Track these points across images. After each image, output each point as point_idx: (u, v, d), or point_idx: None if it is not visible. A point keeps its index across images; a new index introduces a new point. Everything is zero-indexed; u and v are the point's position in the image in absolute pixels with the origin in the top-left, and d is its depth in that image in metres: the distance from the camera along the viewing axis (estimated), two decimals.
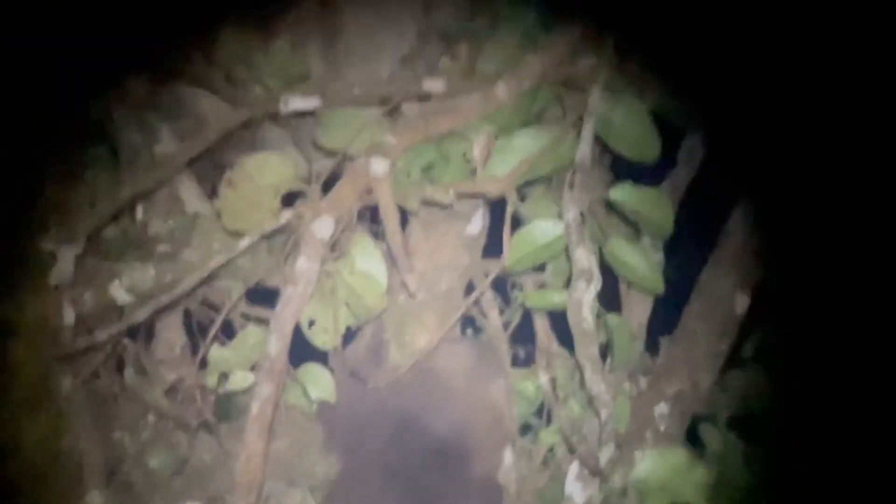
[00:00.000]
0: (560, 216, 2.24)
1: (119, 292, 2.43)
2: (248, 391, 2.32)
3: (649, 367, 2.44)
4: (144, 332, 2.63)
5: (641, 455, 1.60)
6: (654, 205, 2.21)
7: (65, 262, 2.34)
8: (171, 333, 2.66)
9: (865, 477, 1.92)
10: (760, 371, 2.46)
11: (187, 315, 2.68)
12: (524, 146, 2.26)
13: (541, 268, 2.49)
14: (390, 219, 2.27)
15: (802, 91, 1.92)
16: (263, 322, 2.40)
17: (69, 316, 2.40)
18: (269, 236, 2.36)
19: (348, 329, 2.37)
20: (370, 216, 2.51)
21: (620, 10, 2.05)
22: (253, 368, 2.31)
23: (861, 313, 2.00)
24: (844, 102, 1.87)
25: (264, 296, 2.55)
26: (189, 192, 2.57)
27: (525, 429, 2.61)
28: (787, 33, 1.88)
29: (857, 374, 2.00)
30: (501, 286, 2.73)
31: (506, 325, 2.77)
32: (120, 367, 2.61)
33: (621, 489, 2.18)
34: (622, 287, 2.45)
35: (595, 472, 2.16)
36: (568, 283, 2.23)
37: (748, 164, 2.15)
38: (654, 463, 1.45)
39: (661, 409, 2.31)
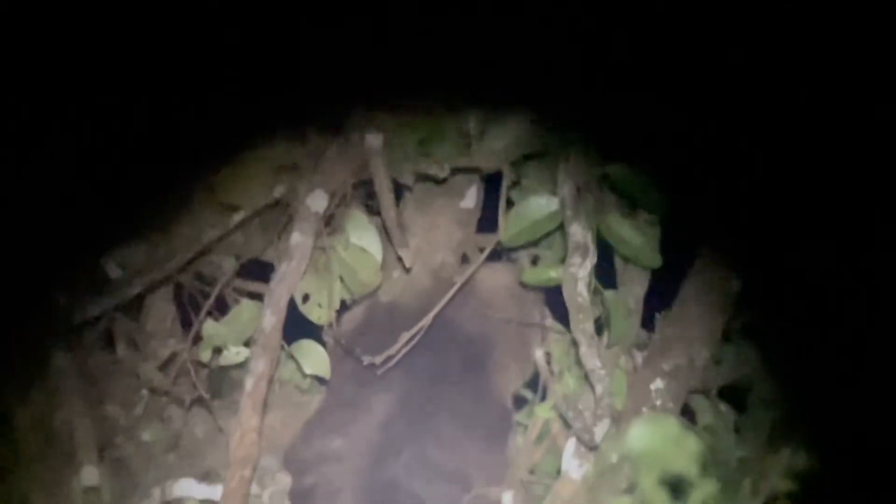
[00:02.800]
0: (555, 192, 2.23)
1: (111, 267, 2.42)
2: (242, 366, 2.32)
3: (645, 342, 2.43)
4: (135, 306, 2.62)
5: (634, 426, 1.59)
6: (649, 180, 2.20)
7: None
8: (162, 307, 2.64)
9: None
10: (751, 342, 2.45)
11: (179, 289, 2.66)
12: (520, 121, 2.25)
13: (535, 243, 2.47)
14: (385, 193, 2.27)
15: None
16: (257, 297, 2.38)
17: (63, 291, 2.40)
18: (262, 211, 2.36)
19: (343, 304, 2.36)
20: (365, 192, 2.49)
21: None
22: (247, 343, 2.30)
23: (852, 286, 1.99)
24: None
25: (258, 271, 2.55)
26: None
27: (520, 403, 2.61)
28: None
29: (849, 346, 1.99)
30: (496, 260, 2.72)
31: None
32: (111, 342, 2.60)
33: (616, 464, 2.18)
34: (618, 263, 2.44)
35: (591, 447, 2.16)
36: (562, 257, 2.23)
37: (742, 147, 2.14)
38: (645, 432, 1.44)
39: (658, 384, 2.30)
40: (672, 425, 1.51)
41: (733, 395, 2.45)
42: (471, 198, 2.63)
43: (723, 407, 2.44)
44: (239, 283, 2.61)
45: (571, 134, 2.23)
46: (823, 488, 1.75)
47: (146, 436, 2.57)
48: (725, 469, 1.97)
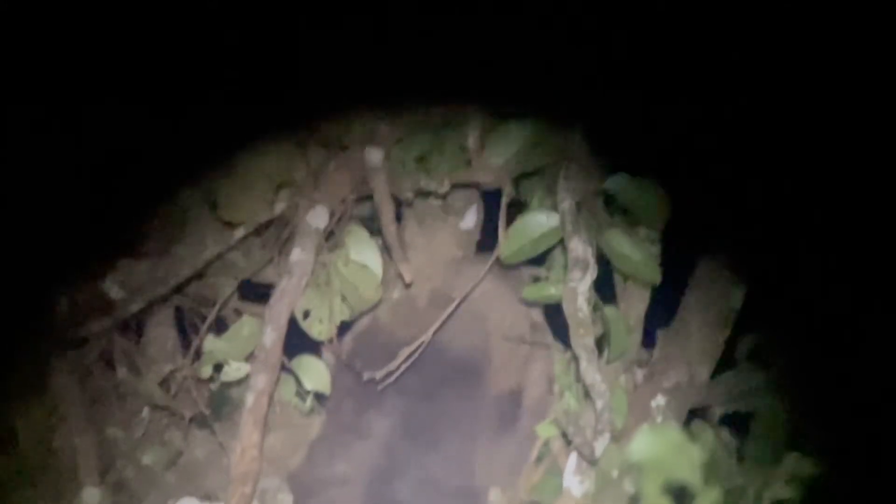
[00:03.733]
0: (555, 208, 2.24)
1: (111, 286, 2.42)
2: (242, 383, 2.32)
3: (646, 359, 2.43)
4: (136, 328, 2.62)
5: (636, 435, 1.59)
6: (649, 195, 2.20)
7: None
8: (163, 330, 2.65)
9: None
10: (755, 370, 2.44)
11: (180, 312, 2.67)
12: (520, 136, 2.26)
13: (537, 261, 2.47)
14: (385, 208, 2.27)
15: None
16: (257, 316, 2.39)
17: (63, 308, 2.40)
18: (263, 227, 2.36)
19: (343, 321, 2.36)
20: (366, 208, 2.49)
21: None
22: (247, 359, 2.30)
23: (857, 309, 1.99)
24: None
25: (257, 292, 2.55)
26: None
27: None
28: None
29: (852, 371, 1.99)
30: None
31: None
32: (112, 363, 2.59)
33: (617, 480, 2.17)
34: (618, 279, 2.44)
35: (591, 461, 2.15)
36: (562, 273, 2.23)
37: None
38: (648, 441, 1.43)
39: (659, 401, 2.30)
40: (674, 434, 1.51)
41: (735, 421, 2.44)
42: (470, 218, 2.64)
43: (724, 434, 2.43)
44: (239, 305, 2.61)
45: (571, 148, 2.24)
46: (827, 496, 1.74)
47: (147, 459, 2.56)
48: (727, 475, 1.96)
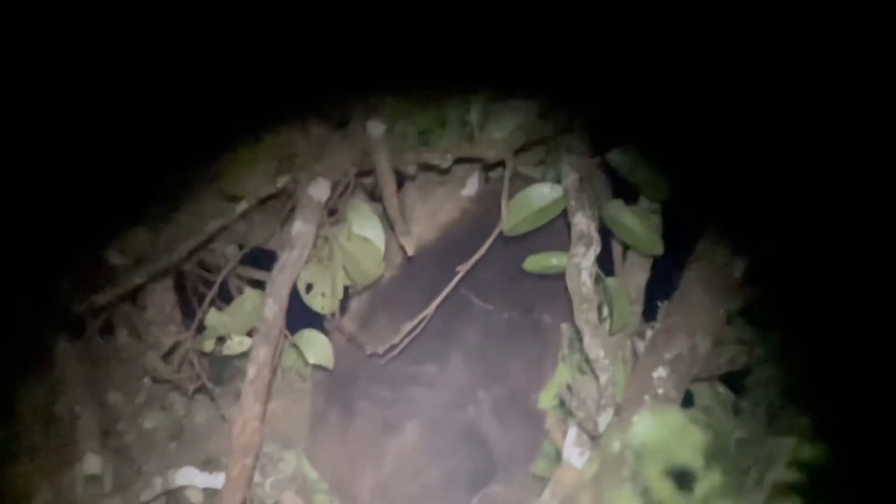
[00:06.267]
0: (557, 180, 2.23)
1: (113, 255, 2.42)
2: (244, 354, 2.32)
3: (647, 331, 2.43)
4: (135, 293, 2.61)
5: (638, 418, 1.60)
6: (651, 167, 2.20)
7: None
8: (162, 294, 2.65)
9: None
10: (752, 325, 2.45)
11: (180, 276, 2.66)
12: (522, 110, 2.25)
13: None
14: (387, 182, 2.26)
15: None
16: (261, 285, 2.38)
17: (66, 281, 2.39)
18: (265, 200, 2.35)
19: (346, 293, 2.36)
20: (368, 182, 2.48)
21: None
22: (250, 333, 2.30)
23: (853, 273, 1.99)
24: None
25: (261, 259, 2.55)
26: None
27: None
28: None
29: (849, 330, 1.99)
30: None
31: None
32: (112, 329, 2.60)
33: (619, 453, 2.18)
34: (620, 251, 2.44)
35: (594, 436, 2.16)
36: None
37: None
38: (650, 425, 1.44)
39: (660, 373, 2.29)
40: (676, 417, 1.52)
41: (731, 376, 2.45)
42: (472, 186, 2.63)
43: (721, 389, 2.44)
44: (241, 270, 2.61)
45: (573, 122, 2.23)
46: (828, 478, 1.75)
47: (148, 423, 2.57)
48: (728, 458, 1.98)
